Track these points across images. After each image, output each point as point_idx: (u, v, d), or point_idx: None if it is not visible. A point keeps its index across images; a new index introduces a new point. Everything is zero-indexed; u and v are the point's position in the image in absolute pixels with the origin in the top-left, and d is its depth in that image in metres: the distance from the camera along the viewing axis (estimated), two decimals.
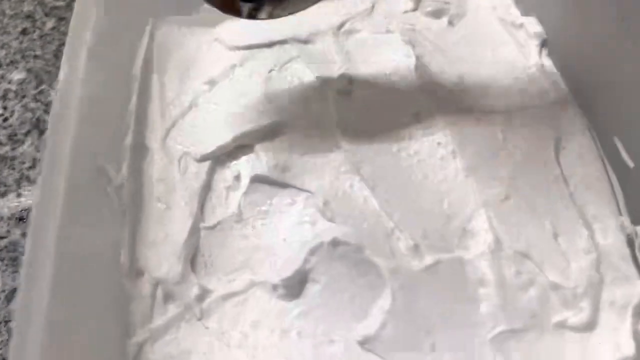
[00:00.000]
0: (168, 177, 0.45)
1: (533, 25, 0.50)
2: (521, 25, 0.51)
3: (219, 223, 0.43)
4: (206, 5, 0.56)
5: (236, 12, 0.41)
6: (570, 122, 0.45)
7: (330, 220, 0.41)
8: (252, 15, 0.41)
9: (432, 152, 0.44)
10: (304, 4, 0.41)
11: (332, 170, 0.44)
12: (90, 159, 0.41)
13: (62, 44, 0.47)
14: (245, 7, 0.41)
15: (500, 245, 0.40)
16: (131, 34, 0.52)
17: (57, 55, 0.59)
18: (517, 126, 0.45)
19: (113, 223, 0.41)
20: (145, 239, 0.42)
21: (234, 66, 0.51)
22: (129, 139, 0.46)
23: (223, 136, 0.46)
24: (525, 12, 0.52)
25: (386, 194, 0.42)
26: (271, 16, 0.41)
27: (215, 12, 0.56)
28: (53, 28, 0.62)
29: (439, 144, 0.45)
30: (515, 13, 0.52)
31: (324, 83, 0.49)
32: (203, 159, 0.45)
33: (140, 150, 0.46)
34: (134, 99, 0.48)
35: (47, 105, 0.56)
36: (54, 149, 0.39)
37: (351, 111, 0.47)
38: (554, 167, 0.43)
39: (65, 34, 0.47)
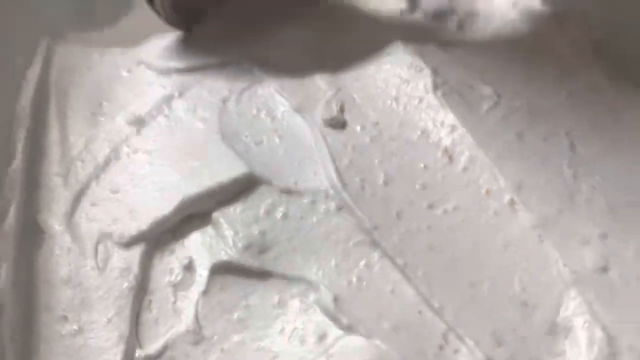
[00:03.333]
0: (78, 276, 0.28)
1: (576, 24, 0.37)
2: (559, 27, 0.38)
3: (166, 348, 0.27)
4: (124, 17, 0.42)
5: None
6: None
7: (348, 329, 0.26)
8: None
9: (481, 204, 0.30)
10: None
11: (336, 244, 0.29)
12: None
13: None
14: None
15: (614, 344, 0.25)
16: (14, 59, 0.35)
17: None
18: (589, 159, 0.32)
19: None
20: None
21: (169, 97, 0.35)
22: (10, 219, 0.29)
23: (162, 203, 0.30)
24: (557, 7, 0.39)
25: (425, 275, 0.28)
26: None
27: (136, 26, 0.41)
28: None
29: (487, 192, 0.30)
30: (544, 12, 0.39)
31: (307, 114, 0.34)
32: (132, 242, 0.29)
33: (30, 235, 0.29)
34: (19, 154, 0.31)
35: None
36: None
37: (348, 152, 0.32)
38: None
39: None
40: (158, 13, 0.37)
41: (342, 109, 0.34)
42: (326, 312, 0.27)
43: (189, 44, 0.38)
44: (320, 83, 0.35)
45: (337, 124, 0.33)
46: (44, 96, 0.35)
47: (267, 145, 0.33)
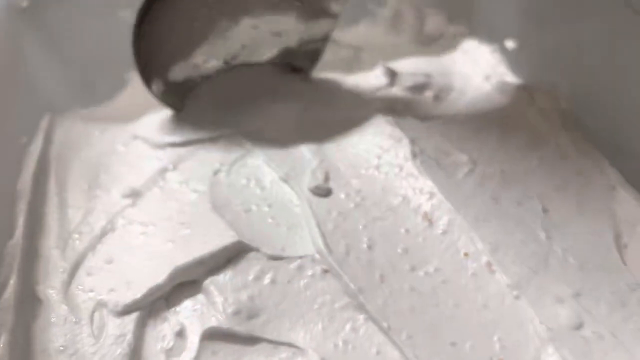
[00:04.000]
0: (75, 344, 0.29)
1: (546, 94, 0.40)
2: (530, 96, 0.41)
3: None
4: (121, 93, 0.44)
5: None
6: (627, 210, 0.34)
7: None
8: None
9: (460, 266, 0.32)
10: None
11: (322, 308, 0.30)
12: None
13: None
14: None
15: None
16: (18, 137, 0.37)
17: None
18: (560, 221, 0.34)
19: None
20: None
21: (163, 170, 0.37)
22: (9, 291, 0.30)
23: (155, 272, 0.31)
24: (527, 80, 0.42)
25: (409, 337, 0.29)
26: None
27: (132, 101, 0.43)
28: None
29: (465, 254, 0.32)
30: (515, 81, 0.42)
31: (294, 183, 0.36)
32: (127, 310, 0.30)
33: (28, 305, 0.31)
34: (19, 228, 0.33)
35: None
36: None
37: (333, 218, 0.34)
38: (623, 273, 0.32)
39: None
40: (154, 95, 0.39)
41: (327, 178, 0.36)
42: None
43: (183, 118, 0.40)
44: (306, 153, 0.38)
45: (323, 191, 0.35)
46: (45, 170, 0.37)
47: (256, 213, 0.34)
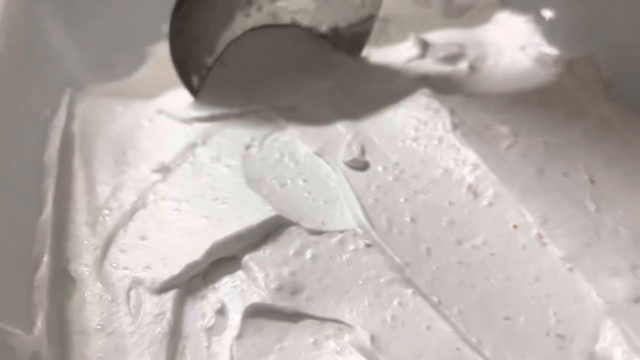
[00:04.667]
0: (112, 323, 0.28)
1: (585, 63, 0.39)
2: (568, 66, 0.39)
3: None
4: (140, 68, 0.43)
5: None
6: None
7: None
8: None
9: (509, 238, 0.30)
10: None
11: (367, 284, 0.29)
12: None
13: None
14: None
15: None
16: (36, 112, 0.35)
17: None
18: (609, 192, 0.32)
19: None
20: None
21: (193, 145, 0.36)
22: (43, 269, 0.29)
23: (192, 249, 0.30)
24: (565, 50, 0.40)
25: (460, 312, 0.28)
26: None
27: (153, 77, 0.42)
28: None
29: (515, 227, 0.31)
30: (552, 52, 0.41)
31: (329, 158, 0.34)
32: (164, 288, 0.29)
33: (61, 284, 0.29)
34: (49, 205, 0.31)
35: None
36: None
37: (373, 192, 0.33)
38: None
39: None
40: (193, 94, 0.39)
41: (362, 151, 0.35)
42: (363, 352, 0.27)
43: (209, 93, 0.39)
44: (340, 128, 0.36)
45: (359, 165, 0.34)
46: (69, 146, 0.35)
47: (292, 187, 0.33)
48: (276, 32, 0.40)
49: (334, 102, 0.38)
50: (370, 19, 0.40)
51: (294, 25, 0.40)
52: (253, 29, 0.39)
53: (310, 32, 0.40)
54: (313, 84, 0.39)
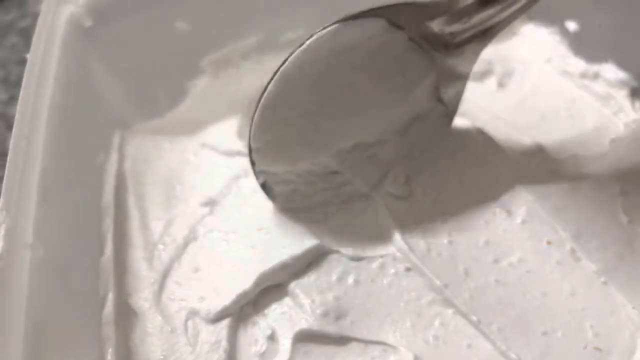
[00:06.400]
0: (174, 353, 0.30)
1: (614, 72, 0.39)
2: (596, 75, 0.40)
3: None
4: (184, 104, 0.45)
5: None
6: None
7: None
8: None
9: (544, 255, 0.31)
10: None
11: (409, 305, 0.31)
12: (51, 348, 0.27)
13: None
14: None
15: None
16: (91, 156, 0.38)
17: None
18: None
19: None
20: None
21: (236, 177, 0.38)
22: (109, 305, 0.31)
23: (241, 279, 0.32)
24: (591, 61, 0.41)
25: (499, 330, 0.29)
26: None
27: (195, 111, 0.44)
28: None
29: (548, 242, 0.32)
30: (578, 63, 0.41)
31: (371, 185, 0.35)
32: (218, 317, 0.31)
33: (125, 317, 0.32)
34: (109, 245, 0.34)
35: None
36: None
37: (412, 216, 0.34)
38: None
39: None
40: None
41: (407, 180, 0.35)
42: None
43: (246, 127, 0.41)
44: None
45: (404, 194, 0.35)
46: (123, 186, 0.38)
47: (332, 215, 0.35)
48: None
49: None
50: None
51: None
52: None
53: None
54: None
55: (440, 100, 0.35)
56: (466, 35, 0.31)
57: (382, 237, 0.33)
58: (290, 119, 0.32)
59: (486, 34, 0.32)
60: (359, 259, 0.33)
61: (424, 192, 0.35)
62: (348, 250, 0.33)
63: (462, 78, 0.34)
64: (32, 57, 0.36)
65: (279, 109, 0.31)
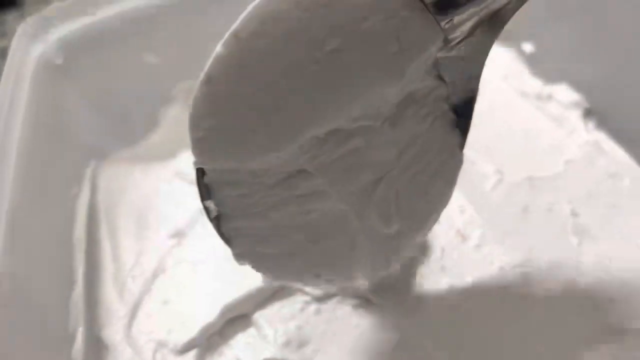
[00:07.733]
0: None
1: (567, 93, 0.40)
2: (550, 97, 0.41)
3: None
4: (157, 132, 0.46)
5: None
6: None
7: None
8: None
9: (496, 278, 0.33)
10: None
11: (367, 332, 0.32)
12: None
13: None
14: None
15: None
16: (62, 189, 0.39)
17: None
18: (590, 223, 0.34)
19: None
20: None
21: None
22: (79, 340, 0.32)
23: (207, 311, 0.33)
24: (547, 81, 0.42)
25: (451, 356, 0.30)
26: None
27: (167, 140, 0.45)
28: None
29: (500, 267, 0.33)
30: (534, 83, 0.42)
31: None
32: (186, 348, 0.32)
33: (96, 351, 0.33)
34: (79, 279, 0.35)
35: None
36: None
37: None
38: None
39: None
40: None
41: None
42: None
43: None
44: None
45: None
46: (95, 218, 0.39)
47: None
48: None
49: None
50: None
51: None
52: None
53: None
54: None
55: (440, 78, 0.26)
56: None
57: (351, 278, 0.30)
58: (244, 95, 0.22)
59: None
60: (326, 297, 0.34)
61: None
62: (314, 291, 0.34)
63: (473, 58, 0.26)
64: (1, 94, 0.36)
65: (229, 80, 0.22)
